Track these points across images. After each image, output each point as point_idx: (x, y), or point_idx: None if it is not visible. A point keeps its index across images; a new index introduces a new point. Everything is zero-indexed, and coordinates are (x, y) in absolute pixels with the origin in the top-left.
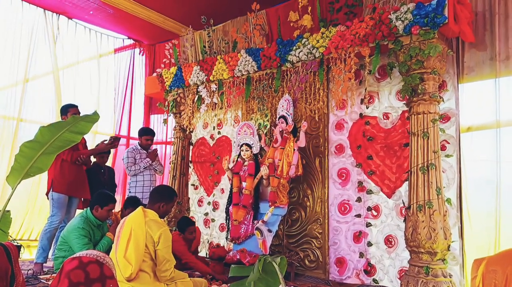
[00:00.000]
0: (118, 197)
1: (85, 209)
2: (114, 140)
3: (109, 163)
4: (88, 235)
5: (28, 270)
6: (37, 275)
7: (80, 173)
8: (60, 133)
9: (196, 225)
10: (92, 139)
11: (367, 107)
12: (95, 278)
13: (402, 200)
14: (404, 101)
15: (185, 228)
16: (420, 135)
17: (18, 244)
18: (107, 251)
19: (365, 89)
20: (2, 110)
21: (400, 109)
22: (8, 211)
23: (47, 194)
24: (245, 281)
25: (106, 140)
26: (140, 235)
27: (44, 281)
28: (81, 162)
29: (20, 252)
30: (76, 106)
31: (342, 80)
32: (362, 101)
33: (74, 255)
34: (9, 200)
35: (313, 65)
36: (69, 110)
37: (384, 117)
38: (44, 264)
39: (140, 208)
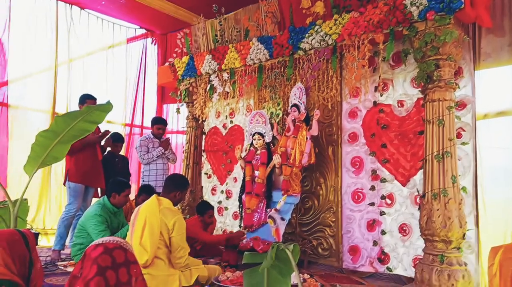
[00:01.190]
0: (133, 186)
1: (102, 197)
2: (104, 133)
3: (122, 152)
4: (105, 222)
5: (46, 257)
6: (55, 261)
7: (94, 163)
8: (75, 123)
9: None
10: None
11: (381, 95)
12: (121, 262)
13: (417, 189)
14: (419, 89)
15: (204, 211)
16: (435, 123)
17: (36, 232)
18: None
19: (379, 76)
20: (16, 101)
21: (415, 96)
22: (25, 199)
23: (64, 184)
24: (258, 268)
25: (108, 131)
26: (155, 223)
27: (62, 268)
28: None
29: (38, 240)
30: (95, 99)
31: (356, 67)
32: (376, 89)
33: (97, 242)
34: (26, 188)
35: (326, 53)
36: (86, 101)
37: (399, 105)
38: (61, 251)
39: (154, 196)
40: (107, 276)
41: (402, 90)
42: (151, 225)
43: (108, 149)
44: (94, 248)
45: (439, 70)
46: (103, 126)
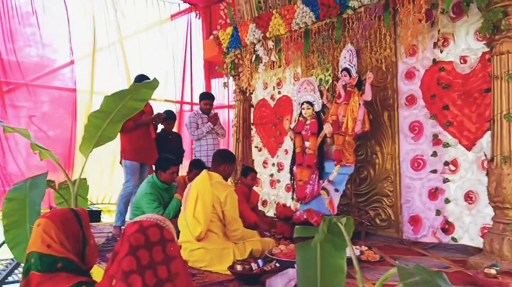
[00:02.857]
0: (187, 162)
1: (150, 174)
2: (157, 115)
3: (175, 129)
4: (157, 199)
5: (108, 233)
6: (116, 237)
7: (148, 141)
8: (124, 102)
9: (261, 186)
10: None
11: (441, 52)
12: (155, 241)
13: (484, 152)
14: (484, 41)
15: (247, 173)
16: (504, 79)
17: (99, 209)
18: (177, 212)
19: (438, 31)
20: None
21: (479, 50)
22: (84, 179)
23: (120, 162)
24: (311, 241)
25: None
26: (207, 196)
27: None
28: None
29: (100, 217)
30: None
31: (411, 23)
32: (435, 45)
33: (135, 219)
34: (83, 168)
35: (378, 9)
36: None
37: (461, 61)
38: (122, 227)
39: (204, 171)
40: (138, 255)
41: (464, 45)
42: (203, 198)
43: (161, 126)
44: (131, 225)
45: (507, 18)
46: (159, 106)
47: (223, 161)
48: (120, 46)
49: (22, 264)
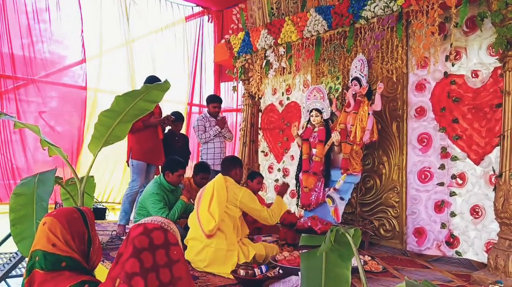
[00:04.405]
0: (192, 164)
1: (158, 175)
2: (166, 118)
3: (183, 131)
4: (163, 200)
5: (112, 231)
6: (120, 236)
7: (155, 141)
8: (135, 102)
9: (266, 191)
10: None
11: (453, 65)
12: (159, 244)
13: (492, 167)
14: (497, 57)
15: (254, 177)
16: None
17: (103, 207)
18: (185, 213)
19: (451, 44)
20: (91, 83)
21: (491, 65)
22: (92, 176)
23: (127, 161)
24: (316, 251)
25: (170, 116)
26: (223, 193)
27: None
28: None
29: (106, 214)
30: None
31: (424, 35)
32: (447, 58)
33: (140, 222)
34: (91, 166)
35: (391, 20)
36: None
37: (473, 75)
38: (126, 226)
39: (220, 175)
40: (142, 258)
41: (477, 59)
42: (219, 195)
43: (168, 127)
44: (135, 227)
45: None
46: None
47: (233, 166)
48: (131, 46)
49: (27, 259)
